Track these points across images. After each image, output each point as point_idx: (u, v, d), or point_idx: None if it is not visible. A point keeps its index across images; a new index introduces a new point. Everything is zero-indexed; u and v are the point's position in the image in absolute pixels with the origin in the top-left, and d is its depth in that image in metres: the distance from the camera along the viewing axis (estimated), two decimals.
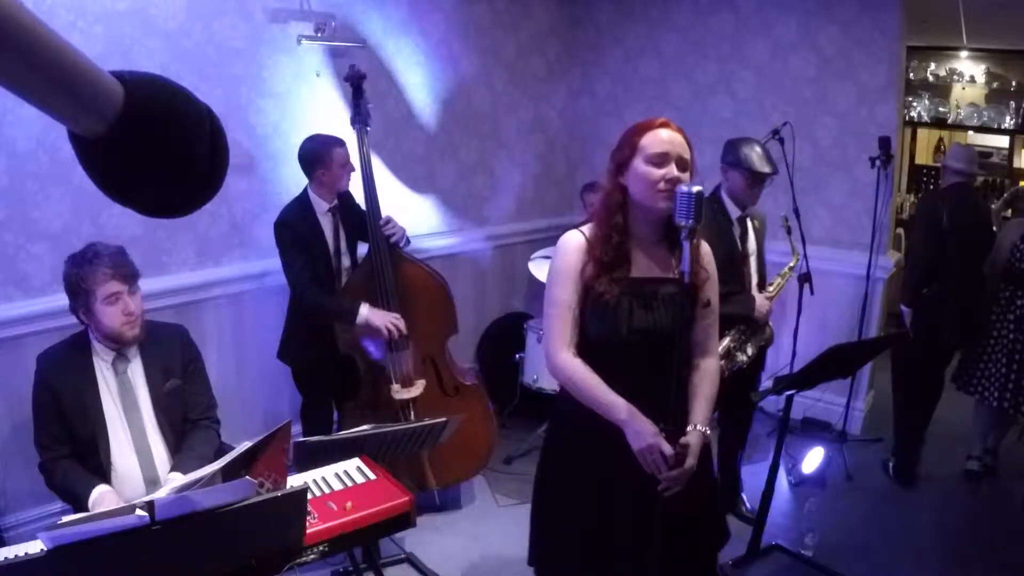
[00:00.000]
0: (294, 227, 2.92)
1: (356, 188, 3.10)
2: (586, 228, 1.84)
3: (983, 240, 3.48)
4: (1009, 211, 5.13)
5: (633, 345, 1.75)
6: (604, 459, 1.80)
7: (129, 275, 2.14)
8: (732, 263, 2.90)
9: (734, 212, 2.93)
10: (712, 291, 1.88)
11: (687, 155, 1.74)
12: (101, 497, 2.03)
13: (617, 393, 1.74)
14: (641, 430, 1.69)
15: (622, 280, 1.75)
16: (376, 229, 2.97)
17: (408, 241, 3.15)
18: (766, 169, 2.84)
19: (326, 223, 3.01)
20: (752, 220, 3.00)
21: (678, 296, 1.72)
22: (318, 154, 2.93)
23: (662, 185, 1.69)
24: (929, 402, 3.69)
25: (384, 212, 3.07)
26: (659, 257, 1.82)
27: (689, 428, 1.78)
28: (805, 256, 3.38)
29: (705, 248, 1.87)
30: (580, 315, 1.80)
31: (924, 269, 3.43)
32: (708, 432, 1.82)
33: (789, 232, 3.15)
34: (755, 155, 2.85)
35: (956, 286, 3.38)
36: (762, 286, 3.04)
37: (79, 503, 2.04)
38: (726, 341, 2.89)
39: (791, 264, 3.14)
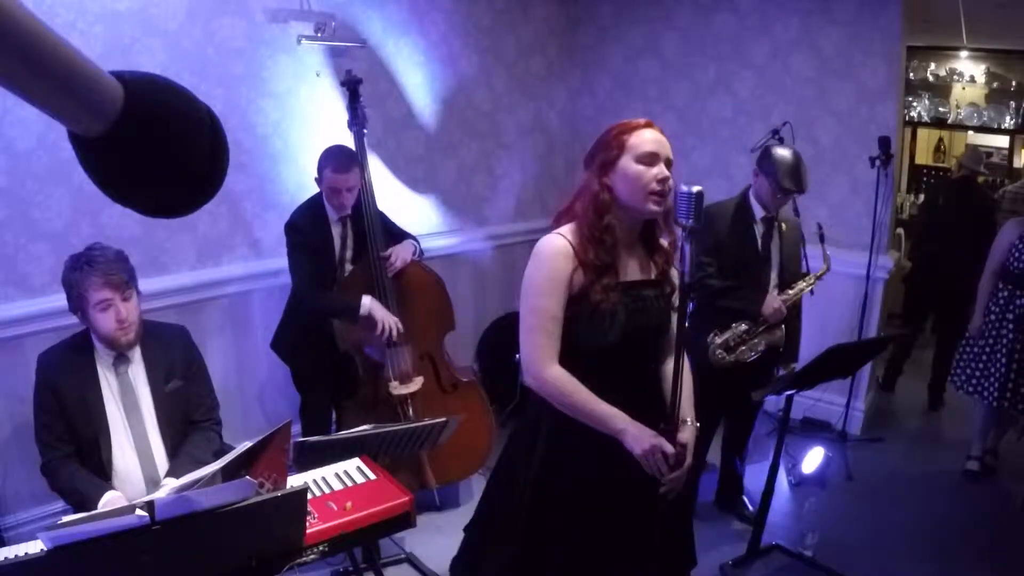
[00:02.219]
0: (303, 231, 2.91)
1: None
2: (567, 231, 1.75)
3: (979, 217, 4.40)
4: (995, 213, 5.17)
5: (624, 350, 1.73)
6: (603, 467, 1.77)
7: (121, 282, 2.09)
8: (745, 260, 2.93)
9: (759, 212, 2.95)
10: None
11: (672, 156, 1.71)
12: (111, 502, 2.02)
13: (608, 398, 1.70)
14: (640, 435, 1.66)
15: (615, 286, 1.71)
16: (373, 230, 2.96)
17: (422, 253, 3.15)
18: (790, 186, 2.82)
19: (336, 232, 2.99)
20: (781, 224, 3.00)
21: (660, 297, 1.75)
22: (319, 165, 2.89)
23: (654, 185, 1.66)
24: (915, 332, 4.82)
25: (382, 207, 3.07)
26: (638, 259, 1.79)
27: (681, 424, 1.74)
28: (805, 256, 3.36)
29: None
30: (566, 323, 1.73)
31: (920, 233, 4.78)
32: (697, 424, 1.80)
33: (822, 240, 3.14)
34: (785, 168, 2.83)
35: (946, 247, 4.38)
36: (784, 289, 3.03)
37: (86, 505, 2.03)
38: (727, 335, 2.90)
39: (818, 273, 3.10)
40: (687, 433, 1.74)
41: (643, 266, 1.80)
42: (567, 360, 1.74)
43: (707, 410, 1.87)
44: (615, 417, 1.69)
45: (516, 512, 1.86)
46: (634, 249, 1.79)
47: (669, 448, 1.65)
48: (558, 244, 1.73)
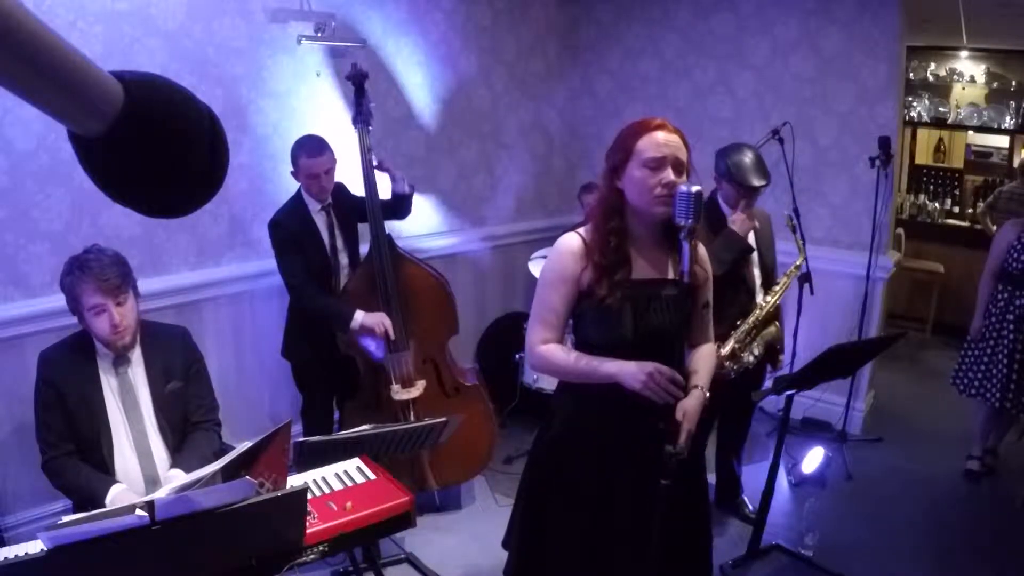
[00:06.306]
0: (288, 227, 2.91)
1: (359, 188, 3.10)
2: (584, 231, 1.81)
3: None
4: (991, 213, 5.16)
5: (634, 347, 1.73)
6: (603, 463, 1.79)
7: (114, 287, 2.06)
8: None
9: (730, 214, 2.93)
10: (709, 291, 1.88)
11: (684, 157, 1.71)
12: (118, 497, 2.02)
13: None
14: (635, 370, 1.66)
15: (623, 283, 1.72)
16: (378, 230, 2.96)
17: (412, 187, 3.16)
18: (757, 182, 2.79)
19: (320, 221, 3.00)
20: (753, 221, 2.99)
21: (678, 296, 1.72)
22: (292, 156, 2.91)
23: (659, 191, 1.66)
24: None
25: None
26: (657, 258, 1.80)
27: (691, 388, 1.76)
28: (805, 256, 3.37)
29: (702, 249, 1.85)
30: (579, 318, 1.79)
31: None
32: (707, 394, 1.80)
33: (794, 230, 3.14)
34: (746, 167, 2.79)
35: None
36: (768, 286, 3.03)
37: (92, 502, 2.02)
38: (731, 344, 2.89)
39: (796, 263, 3.12)
40: (694, 395, 1.75)
41: (661, 265, 1.80)
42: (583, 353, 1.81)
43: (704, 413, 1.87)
44: (604, 362, 1.72)
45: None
46: (654, 248, 1.79)
47: (668, 369, 1.66)
48: (571, 242, 1.80)
